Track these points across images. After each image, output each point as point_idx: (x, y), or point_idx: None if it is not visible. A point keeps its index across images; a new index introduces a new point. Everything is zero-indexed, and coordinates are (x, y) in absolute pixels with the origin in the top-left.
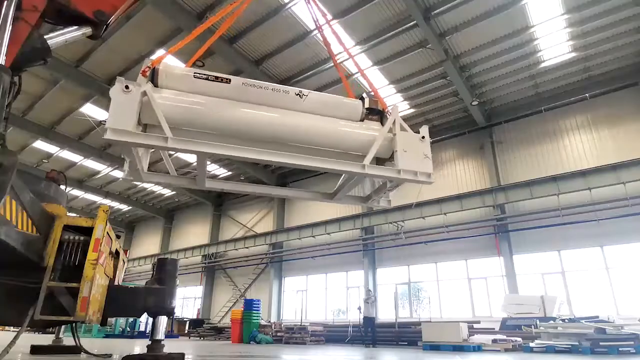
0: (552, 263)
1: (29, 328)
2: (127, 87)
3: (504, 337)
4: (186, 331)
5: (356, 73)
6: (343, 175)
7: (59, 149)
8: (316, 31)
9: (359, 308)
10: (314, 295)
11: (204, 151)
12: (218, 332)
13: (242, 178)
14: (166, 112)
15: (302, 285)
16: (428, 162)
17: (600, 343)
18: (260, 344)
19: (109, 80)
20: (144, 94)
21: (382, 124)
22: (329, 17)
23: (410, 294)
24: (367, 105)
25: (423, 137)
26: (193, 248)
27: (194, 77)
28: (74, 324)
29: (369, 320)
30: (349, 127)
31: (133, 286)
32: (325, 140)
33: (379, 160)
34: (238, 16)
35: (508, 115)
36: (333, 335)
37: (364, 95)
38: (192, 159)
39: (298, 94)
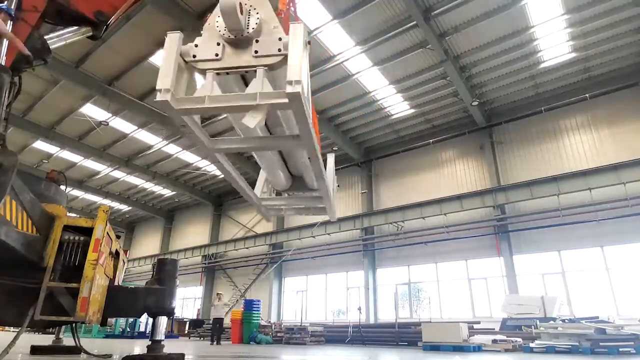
0: (552, 263)
1: (29, 328)
2: (309, 43)
3: (504, 337)
4: (186, 331)
5: (356, 73)
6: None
7: (59, 149)
8: (316, 31)
9: (359, 309)
10: (314, 296)
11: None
12: None
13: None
14: None
15: (302, 286)
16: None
17: (601, 343)
18: (260, 344)
19: (109, 81)
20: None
21: None
22: (330, 17)
23: (410, 295)
24: None
25: (338, 186)
26: (193, 248)
27: None
28: (74, 324)
29: (217, 320)
30: None
31: (133, 286)
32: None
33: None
34: None
35: (508, 115)
36: (333, 336)
37: None
38: (192, 159)
39: None
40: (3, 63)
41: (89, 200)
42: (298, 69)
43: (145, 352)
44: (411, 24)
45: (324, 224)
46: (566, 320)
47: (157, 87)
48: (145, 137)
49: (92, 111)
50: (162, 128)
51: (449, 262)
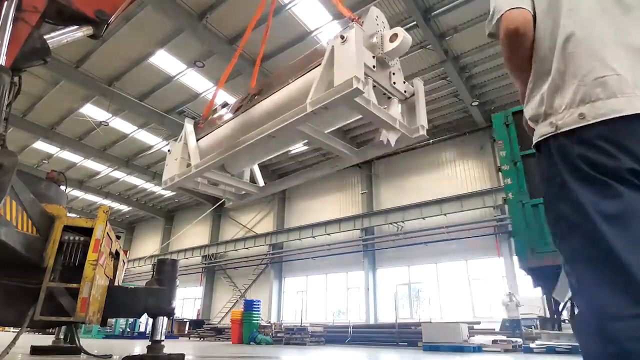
0: None
1: (29, 328)
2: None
3: (504, 337)
4: (186, 332)
5: None
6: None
7: (59, 149)
8: (316, 32)
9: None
10: (314, 296)
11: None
12: (218, 332)
13: None
14: None
15: (302, 286)
16: None
17: None
18: (260, 344)
19: (109, 81)
20: None
21: None
22: (330, 17)
23: (410, 295)
24: None
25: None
26: (193, 249)
27: None
28: (73, 325)
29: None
30: None
31: (133, 287)
32: None
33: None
34: (237, 17)
35: None
36: (333, 336)
37: None
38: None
39: None
40: (3, 63)
41: (89, 200)
42: (426, 117)
43: (146, 352)
44: (411, 24)
45: (324, 224)
46: (566, 321)
47: (354, 74)
48: (145, 137)
49: (92, 111)
50: (162, 128)
51: (449, 262)
